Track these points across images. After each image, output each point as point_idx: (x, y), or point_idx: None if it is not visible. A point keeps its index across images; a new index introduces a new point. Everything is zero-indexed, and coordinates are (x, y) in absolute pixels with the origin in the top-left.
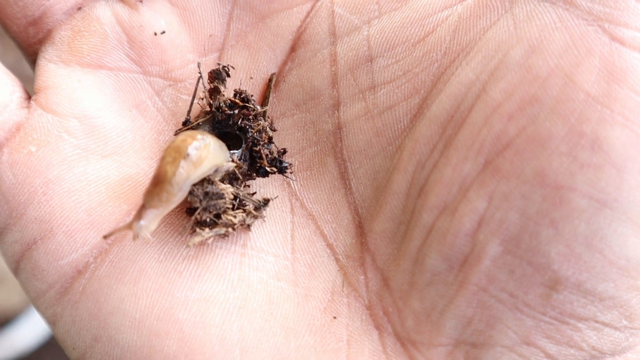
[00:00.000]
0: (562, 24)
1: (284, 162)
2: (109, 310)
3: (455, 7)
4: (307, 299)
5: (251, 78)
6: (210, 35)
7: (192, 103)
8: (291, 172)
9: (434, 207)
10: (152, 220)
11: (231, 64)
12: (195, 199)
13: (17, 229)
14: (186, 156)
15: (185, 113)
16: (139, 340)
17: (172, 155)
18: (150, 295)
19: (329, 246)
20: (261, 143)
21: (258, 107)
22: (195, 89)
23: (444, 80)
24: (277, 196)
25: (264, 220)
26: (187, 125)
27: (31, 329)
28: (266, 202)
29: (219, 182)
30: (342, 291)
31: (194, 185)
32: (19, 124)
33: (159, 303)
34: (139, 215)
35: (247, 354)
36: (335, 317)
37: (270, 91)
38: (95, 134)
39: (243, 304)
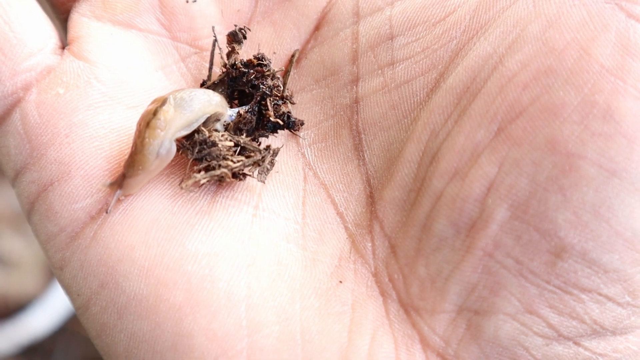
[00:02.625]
0: (580, 1)
1: (293, 117)
2: (118, 257)
3: None
4: (314, 263)
5: (274, 53)
6: (238, 10)
7: (211, 64)
8: (298, 127)
9: (445, 173)
10: (132, 187)
11: (256, 40)
12: (187, 151)
13: (36, 168)
14: (147, 125)
15: (206, 77)
16: (146, 289)
17: (138, 128)
18: (161, 245)
19: (339, 214)
20: (271, 97)
21: (273, 68)
22: (212, 51)
23: (461, 55)
24: (282, 145)
25: (276, 171)
26: (203, 85)
27: (45, 315)
28: (267, 148)
29: (206, 130)
30: (350, 257)
31: (184, 138)
32: (50, 68)
33: (169, 253)
34: (119, 183)
35: (253, 311)
36: (341, 282)
37: (292, 66)
38: (123, 84)
39: (252, 261)
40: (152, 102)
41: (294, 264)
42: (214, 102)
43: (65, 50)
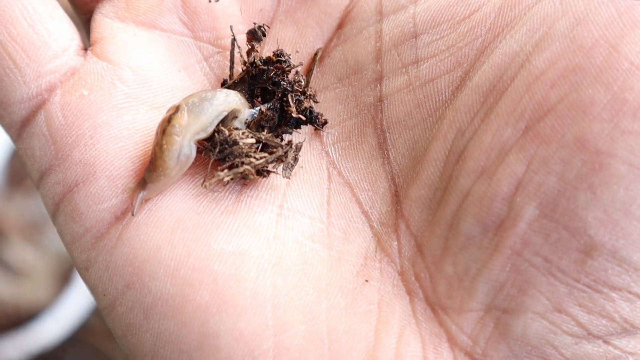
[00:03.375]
0: None
1: (315, 111)
2: (144, 258)
3: None
4: (340, 262)
5: (297, 52)
6: (261, 9)
7: (231, 63)
8: (321, 122)
9: (472, 171)
10: (153, 191)
11: (279, 38)
12: (209, 152)
13: (61, 170)
14: (163, 132)
15: (235, 76)
16: (172, 289)
17: (155, 136)
18: (187, 245)
19: (364, 213)
20: (292, 93)
21: (293, 62)
22: (232, 50)
23: (487, 53)
24: (304, 139)
25: (301, 166)
26: (224, 85)
27: (55, 325)
28: (290, 143)
29: (226, 130)
30: (375, 256)
31: (205, 140)
32: (74, 69)
33: (194, 253)
34: (142, 186)
35: (279, 310)
36: (367, 281)
37: (315, 65)
38: (146, 85)
39: (278, 261)
40: (167, 111)
41: (320, 263)
42: (227, 101)
43: (88, 51)
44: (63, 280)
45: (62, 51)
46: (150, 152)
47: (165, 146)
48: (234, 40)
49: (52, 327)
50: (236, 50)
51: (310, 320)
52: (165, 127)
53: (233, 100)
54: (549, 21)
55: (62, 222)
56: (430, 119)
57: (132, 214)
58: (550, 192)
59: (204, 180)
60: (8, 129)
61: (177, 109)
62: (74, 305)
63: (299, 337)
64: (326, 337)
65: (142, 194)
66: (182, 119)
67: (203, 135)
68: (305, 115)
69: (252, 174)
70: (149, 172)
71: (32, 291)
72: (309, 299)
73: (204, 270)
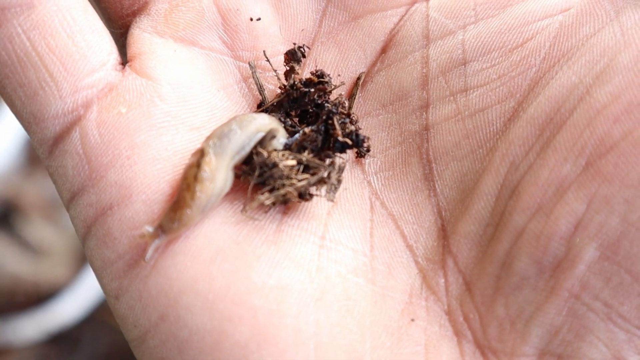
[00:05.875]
0: None
1: (361, 135)
2: (181, 289)
3: (556, 16)
4: (384, 298)
5: (339, 75)
6: (302, 30)
7: (259, 88)
8: (367, 145)
9: (527, 208)
10: (167, 241)
11: (320, 61)
12: (248, 176)
13: (95, 191)
14: (195, 178)
15: (268, 100)
16: (210, 324)
17: (186, 182)
18: (227, 277)
19: (409, 247)
20: (337, 116)
21: (335, 83)
22: (253, 74)
23: (542, 84)
24: (347, 160)
25: (345, 188)
26: (261, 107)
27: (74, 304)
28: (332, 164)
29: (264, 152)
30: (421, 294)
31: (244, 163)
32: (112, 85)
33: (234, 286)
34: (157, 234)
35: (322, 349)
36: (413, 320)
37: (357, 89)
38: (186, 104)
39: (321, 296)
40: (192, 155)
41: (364, 299)
42: (242, 128)
43: (126, 66)
44: (82, 260)
45: (100, 65)
46: (171, 200)
47: (198, 194)
48: (250, 65)
49: (70, 306)
50: (258, 72)
51: None
52: (196, 173)
53: (251, 123)
54: (610, 53)
55: (93, 246)
56: (480, 150)
57: (145, 260)
58: (612, 234)
59: (244, 207)
60: (39, 146)
61: (202, 152)
62: (92, 284)
63: None
64: None
65: (157, 242)
66: (212, 162)
67: (237, 158)
68: (351, 139)
69: (294, 197)
70: (169, 223)
71: (51, 270)
72: (353, 337)
73: (244, 304)
